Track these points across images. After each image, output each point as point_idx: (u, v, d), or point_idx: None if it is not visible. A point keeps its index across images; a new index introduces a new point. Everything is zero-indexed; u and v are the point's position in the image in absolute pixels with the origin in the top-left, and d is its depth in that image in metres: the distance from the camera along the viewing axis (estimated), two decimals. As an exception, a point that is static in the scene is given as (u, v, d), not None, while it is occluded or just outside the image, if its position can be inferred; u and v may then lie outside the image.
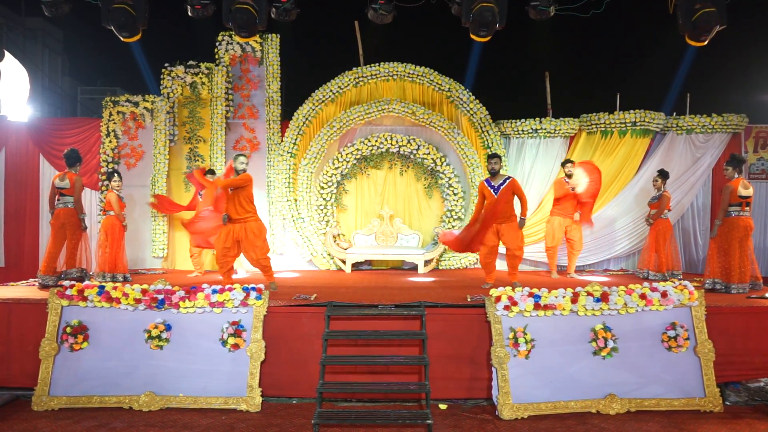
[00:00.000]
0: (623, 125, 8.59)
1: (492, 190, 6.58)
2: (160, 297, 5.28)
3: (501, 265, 7.51)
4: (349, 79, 8.98)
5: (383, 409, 4.90)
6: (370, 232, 8.96)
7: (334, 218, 9.03)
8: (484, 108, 8.94)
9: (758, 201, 8.72)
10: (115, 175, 7.31)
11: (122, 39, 6.95)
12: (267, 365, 5.16)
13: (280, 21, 7.31)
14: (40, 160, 9.04)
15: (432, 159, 8.89)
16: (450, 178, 8.89)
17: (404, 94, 9.06)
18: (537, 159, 8.94)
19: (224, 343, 5.15)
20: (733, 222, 6.41)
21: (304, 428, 4.55)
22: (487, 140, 8.91)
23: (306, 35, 10.67)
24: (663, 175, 7.52)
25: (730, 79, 10.43)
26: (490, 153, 8.47)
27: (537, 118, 8.91)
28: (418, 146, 8.88)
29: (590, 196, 7.69)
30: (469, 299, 5.60)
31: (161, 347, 5.16)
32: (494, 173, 6.66)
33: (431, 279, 7.78)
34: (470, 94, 8.96)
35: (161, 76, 8.79)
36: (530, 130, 8.88)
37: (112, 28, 6.76)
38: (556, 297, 5.22)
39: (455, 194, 8.90)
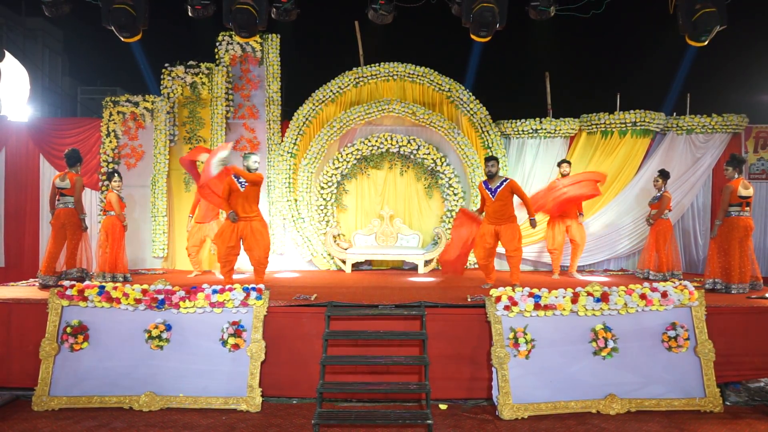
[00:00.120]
0: (623, 125, 8.58)
1: (489, 193, 6.59)
2: (161, 297, 5.28)
3: (502, 265, 7.52)
4: (350, 79, 8.98)
5: (383, 409, 4.90)
6: (370, 232, 8.97)
7: (334, 218, 9.03)
8: (484, 108, 8.94)
9: (758, 201, 8.72)
10: (116, 175, 7.32)
11: (122, 39, 6.95)
12: (267, 365, 5.16)
13: (280, 21, 7.32)
14: (40, 160, 9.04)
15: (432, 159, 8.89)
16: (450, 178, 8.89)
17: (404, 94, 9.06)
18: (537, 159, 8.94)
19: (224, 343, 5.15)
20: (733, 222, 6.41)
21: (304, 428, 4.55)
22: (487, 140, 8.91)
23: (306, 35, 10.66)
24: (664, 175, 7.52)
25: (730, 79, 10.42)
26: (487, 155, 8.50)
27: (537, 118, 8.91)
28: (418, 146, 8.88)
29: (575, 198, 7.64)
30: (469, 299, 5.60)
31: (161, 347, 5.17)
32: (491, 175, 6.65)
33: (431, 279, 7.78)
34: (470, 94, 8.95)
35: (161, 76, 8.79)
36: (530, 130, 8.88)
37: (113, 28, 6.77)
38: (556, 297, 5.22)
39: (455, 194, 8.89)
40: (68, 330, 5.18)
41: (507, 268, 6.94)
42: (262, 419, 4.76)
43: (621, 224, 8.70)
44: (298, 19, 7.38)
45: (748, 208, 6.46)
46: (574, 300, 5.20)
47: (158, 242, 8.61)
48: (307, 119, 8.94)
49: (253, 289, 5.35)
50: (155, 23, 7.08)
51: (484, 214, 6.80)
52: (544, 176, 8.83)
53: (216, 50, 8.95)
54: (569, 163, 7.92)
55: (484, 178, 7.01)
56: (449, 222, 8.86)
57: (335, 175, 8.93)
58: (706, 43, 6.80)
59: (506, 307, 5.17)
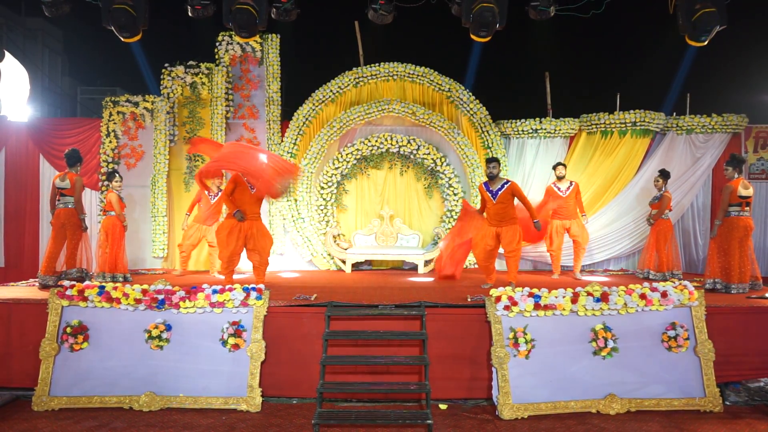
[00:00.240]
0: (623, 125, 8.59)
1: (491, 195, 6.58)
2: (161, 297, 5.28)
3: (501, 265, 7.51)
4: (349, 80, 8.98)
5: (383, 409, 4.90)
6: (370, 232, 8.97)
7: (334, 218, 9.03)
8: (484, 108, 8.94)
9: (758, 201, 8.72)
10: (116, 175, 7.32)
11: (122, 39, 6.95)
12: (267, 365, 5.16)
13: (280, 21, 7.33)
14: (40, 160, 9.04)
15: (432, 159, 8.89)
16: (450, 179, 8.89)
17: (404, 94, 9.06)
18: (537, 159, 8.94)
19: (224, 343, 5.15)
20: (733, 222, 6.41)
21: (304, 428, 4.55)
22: (487, 140, 8.91)
23: (306, 35, 10.66)
24: (664, 175, 7.52)
25: (730, 79, 10.42)
26: (488, 156, 8.49)
27: (537, 118, 8.91)
28: (418, 146, 8.88)
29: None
30: (469, 299, 5.60)
31: (161, 347, 5.17)
32: (492, 177, 6.64)
33: (431, 279, 7.78)
34: (470, 94, 8.96)
35: (161, 76, 8.78)
36: (530, 130, 8.89)
37: (113, 28, 6.77)
38: (556, 297, 5.23)
39: (455, 194, 8.90)
40: (68, 330, 5.18)
41: (506, 268, 6.94)
42: (262, 419, 4.76)
43: (621, 224, 8.70)
44: (298, 19, 7.38)
45: (747, 208, 6.46)
46: (574, 300, 5.21)
47: (158, 242, 8.61)
48: (307, 119, 8.94)
49: (253, 289, 5.35)
50: (155, 23, 7.08)
51: (484, 214, 6.81)
52: (544, 176, 8.82)
53: (216, 50, 8.95)
54: (565, 165, 7.91)
55: (485, 179, 7.00)
56: (449, 222, 8.86)
57: (335, 175, 8.93)
58: (706, 43, 6.80)
59: (506, 307, 5.17)
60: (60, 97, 16.13)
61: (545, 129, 8.86)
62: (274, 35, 9.02)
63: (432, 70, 8.98)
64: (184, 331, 5.23)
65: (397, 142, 8.89)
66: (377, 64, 8.98)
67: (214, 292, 5.31)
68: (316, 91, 8.99)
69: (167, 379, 5.08)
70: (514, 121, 8.99)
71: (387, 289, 6.56)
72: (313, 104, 8.96)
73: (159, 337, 5.16)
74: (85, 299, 5.29)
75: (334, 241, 8.77)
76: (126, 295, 5.29)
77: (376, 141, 8.91)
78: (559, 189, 7.72)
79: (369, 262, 9.14)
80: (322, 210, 8.91)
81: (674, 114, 8.84)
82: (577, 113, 8.95)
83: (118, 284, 5.47)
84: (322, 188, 8.93)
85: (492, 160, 6.69)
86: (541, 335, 5.12)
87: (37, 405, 4.96)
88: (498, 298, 5.21)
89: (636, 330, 5.20)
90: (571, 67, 10.97)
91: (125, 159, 8.76)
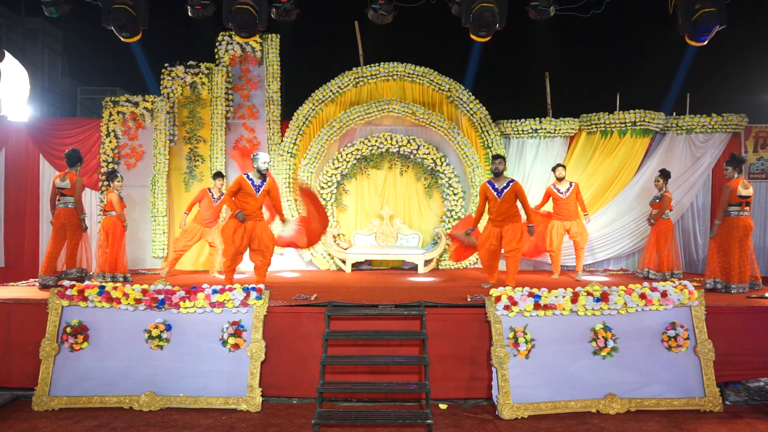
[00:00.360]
0: (623, 125, 8.59)
1: (495, 193, 6.56)
2: (161, 297, 5.28)
3: (501, 264, 7.50)
4: (349, 79, 8.98)
5: (383, 409, 4.90)
6: (370, 232, 8.97)
7: (334, 218, 9.02)
8: (484, 108, 8.94)
9: (758, 201, 8.72)
10: (118, 175, 7.33)
11: (122, 39, 6.94)
12: (267, 365, 5.16)
13: (280, 21, 7.32)
14: (40, 160, 9.05)
15: (432, 159, 8.89)
16: (450, 178, 8.89)
17: (404, 94, 9.06)
18: (537, 159, 8.94)
19: (224, 343, 5.15)
20: (733, 222, 6.41)
21: (304, 428, 4.55)
22: (487, 140, 8.91)
23: (306, 35, 10.67)
24: (665, 175, 7.52)
25: (730, 79, 10.43)
26: (494, 153, 8.44)
27: (537, 118, 8.91)
28: (418, 146, 8.88)
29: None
30: (469, 299, 5.60)
31: (161, 347, 5.17)
32: (498, 173, 6.61)
33: (431, 279, 7.78)
34: (470, 94, 8.96)
35: (161, 76, 8.79)
36: (530, 130, 8.89)
37: (113, 28, 6.76)
38: (556, 297, 5.23)
39: (455, 194, 8.90)
40: (68, 330, 5.18)
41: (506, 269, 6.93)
42: (262, 419, 4.77)
43: (621, 224, 8.71)
44: (298, 19, 7.37)
45: (747, 208, 6.46)
46: (574, 300, 5.21)
47: (158, 242, 8.61)
48: (306, 119, 8.94)
49: (253, 289, 5.35)
50: (155, 23, 7.07)
51: (470, 230, 6.86)
52: (544, 176, 8.83)
53: (216, 50, 8.95)
54: (564, 167, 7.89)
55: (486, 178, 7.00)
56: (449, 222, 8.87)
57: (335, 175, 8.94)
58: (705, 43, 6.80)
59: (506, 307, 5.17)
60: (60, 97, 16.14)
61: (545, 129, 8.86)
62: (274, 35, 9.03)
63: (432, 70, 8.98)
64: (184, 331, 5.23)
65: (397, 142, 8.89)
66: (377, 64, 8.98)
67: (214, 292, 5.32)
68: (316, 91, 9.00)
69: (167, 379, 5.08)
70: (514, 121, 8.99)
71: (387, 289, 6.56)
72: (313, 104, 8.96)
73: (159, 337, 5.16)
74: (85, 299, 5.29)
75: (334, 241, 8.77)
76: (126, 295, 5.29)
77: (376, 141, 8.91)
78: (559, 190, 7.71)
79: (369, 262, 9.14)
80: (322, 210, 8.90)
81: (674, 114, 8.84)
82: (577, 113, 8.96)
83: (118, 284, 5.48)
84: (322, 188, 8.93)
85: (498, 157, 6.65)
86: (541, 335, 5.12)
87: (37, 405, 4.96)
88: (498, 298, 5.21)
89: (636, 330, 5.20)
90: (571, 67, 10.98)
91: (125, 159, 8.77)
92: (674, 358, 5.13)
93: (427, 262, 8.67)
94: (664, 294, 5.27)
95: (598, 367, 5.07)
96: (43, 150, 8.99)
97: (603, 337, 5.09)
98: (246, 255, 6.48)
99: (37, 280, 6.64)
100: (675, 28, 6.88)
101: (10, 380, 5.32)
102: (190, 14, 7.06)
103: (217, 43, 8.94)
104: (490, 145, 8.87)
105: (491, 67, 10.12)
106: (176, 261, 7.88)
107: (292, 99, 9.28)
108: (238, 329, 5.17)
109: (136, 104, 8.72)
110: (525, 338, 5.06)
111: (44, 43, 16.04)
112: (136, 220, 8.67)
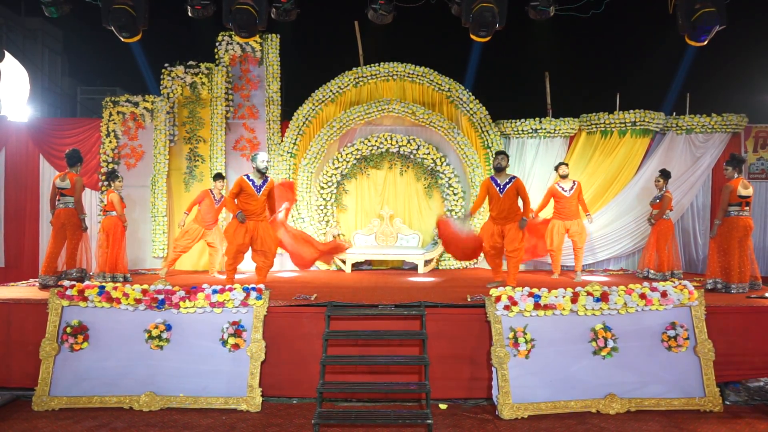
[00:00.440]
0: (623, 125, 8.59)
1: (498, 189, 6.58)
2: (161, 297, 5.28)
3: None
4: (349, 79, 8.98)
5: (383, 409, 4.90)
6: (370, 232, 8.97)
7: (334, 218, 9.03)
8: (484, 108, 8.94)
9: (758, 201, 8.72)
10: (118, 175, 7.33)
11: (122, 39, 6.94)
12: (267, 365, 5.16)
13: (280, 21, 7.32)
14: (40, 161, 9.05)
15: (432, 159, 8.89)
16: (450, 178, 8.89)
17: (404, 94, 9.06)
18: (537, 159, 8.94)
19: (224, 343, 5.15)
20: (733, 222, 6.41)
21: (304, 428, 4.55)
22: (487, 140, 8.91)
23: (306, 35, 10.67)
24: (665, 175, 7.52)
25: (730, 79, 10.43)
26: (497, 150, 8.44)
27: (537, 118, 8.91)
28: (418, 146, 8.88)
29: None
30: (469, 299, 5.60)
31: (161, 347, 5.17)
32: (500, 169, 6.63)
33: (431, 279, 7.78)
34: (470, 94, 8.96)
35: (161, 76, 8.78)
36: (530, 130, 8.89)
37: (113, 28, 6.76)
38: (556, 297, 5.23)
39: (455, 194, 8.90)
40: (68, 330, 5.18)
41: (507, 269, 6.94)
42: (262, 419, 4.77)
43: (621, 224, 8.70)
44: (298, 19, 7.37)
45: (747, 208, 6.46)
46: (574, 300, 5.21)
47: (158, 242, 8.61)
48: (306, 119, 8.94)
49: (253, 289, 5.35)
50: (155, 23, 7.07)
51: (471, 218, 6.86)
52: (543, 176, 8.83)
53: (216, 50, 8.95)
54: (567, 165, 7.91)
55: (488, 174, 7.01)
56: (449, 222, 8.86)
57: (335, 175, 8.94)
58: (705, 43, 6.80)
59: (506, 307, 5.17)
60: (60, 97, 16.14)
61: (545, 129, 8.86)
62: (274, 35, 9.03)
63: (432, 70, 8.98)
64: (184, 331, 5.23)
65: (397, 142, 8.89)
66: (377, 64, 8.98)
67: (214, 292, 5.32)
68: (316, 91, 9.00)
69: (167, 379, 5.08)
70: (513, 120, 8.99)
71: (387, 289, 6.56)
72: (313, 104, 8.96)
73: (159, 337, 5.16)
74: (85, 299, 5.29)
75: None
76: (126, 295, 5.29)
77: (376, 141, 8.91)
78: (563, 189, 7.71)
79: (369, 262, 9.14)
80: (322, 210, 8.91)
81: (674, 114, 8.84)
82: (576, 113, 8.96)
83: (118, 284, 5.48)
84: (322, 188, 8.93)
85: (501, 153, 6.75)
86: (541, 335, 5.12)
87: (37, 405, 4.96)
88: (498, 298, 5.21)
89: (636, 330, 5.20)
90: (571, 67, 10.98)
91: (125, 159, 8.77)
92: (674, 358, 5.13)
93: (427, 262, 8.67)
94: (664, 294, 5.27)
95: (598, 367, 5.07)
96: (43, 150, 8.99)
97: (603, 337, 5.09)
98: (248, 255, 6.48)
99: (37, 280, 6.64)
100: (675, 28, 6.88)
101: (10, 380, 5.32)
102: (190, 14, 7.05)
103: (217, 43, 8.94)
104: (490, 145, 8.87)
105: (491, 67, 10.12)
106: (175, 261, 7.88)
107: (292, 99, 9.28)
108: (238, 329, 5.17)
109: (136, 104, 8.72)
110: (525, 338, 5.06)
111: (44, 43, 16.04)
112: (136, 220, 8.67)
